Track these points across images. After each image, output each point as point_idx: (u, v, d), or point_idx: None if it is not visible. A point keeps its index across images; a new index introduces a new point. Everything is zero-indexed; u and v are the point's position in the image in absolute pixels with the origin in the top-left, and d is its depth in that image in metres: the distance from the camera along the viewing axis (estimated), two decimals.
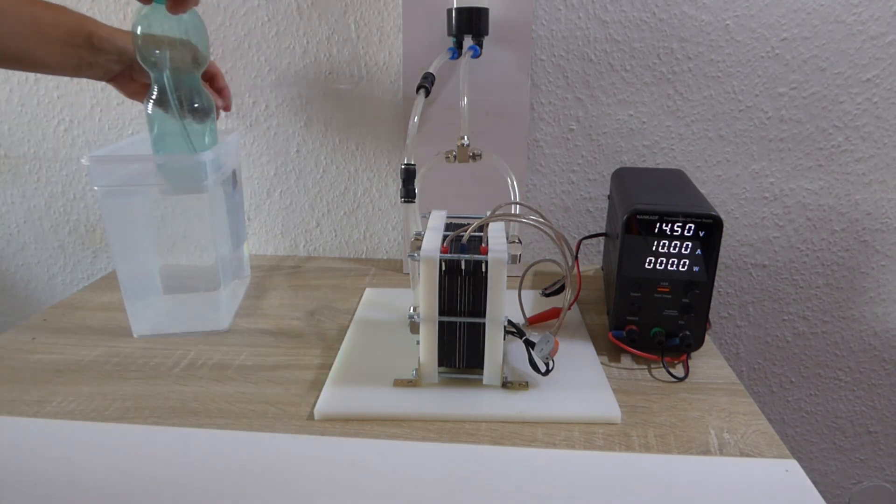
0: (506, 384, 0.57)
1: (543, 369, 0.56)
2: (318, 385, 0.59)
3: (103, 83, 0.67)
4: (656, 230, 0.60)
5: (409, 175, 0.60)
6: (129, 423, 0.53)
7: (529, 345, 0.57)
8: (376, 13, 0.83)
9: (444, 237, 0.56)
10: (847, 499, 1.02)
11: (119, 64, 0.64)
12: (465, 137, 0.63)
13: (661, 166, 0.86)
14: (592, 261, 0.92)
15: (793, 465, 0.48)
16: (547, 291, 0.75)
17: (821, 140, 0.83)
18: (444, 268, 0.54)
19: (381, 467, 0.47)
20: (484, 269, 0.53)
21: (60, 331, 0.70)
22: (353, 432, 0.52)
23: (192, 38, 0.62)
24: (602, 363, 0.63)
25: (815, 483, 0.48)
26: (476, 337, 0.56)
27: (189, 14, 0.60)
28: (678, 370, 0.62)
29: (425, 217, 0.63)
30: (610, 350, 0.65)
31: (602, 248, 0.90)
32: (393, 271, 0.89)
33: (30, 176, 0.96)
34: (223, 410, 0.55)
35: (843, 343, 0.93)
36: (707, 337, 0.65)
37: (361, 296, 0.79)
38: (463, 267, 0.54)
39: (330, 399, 0.55)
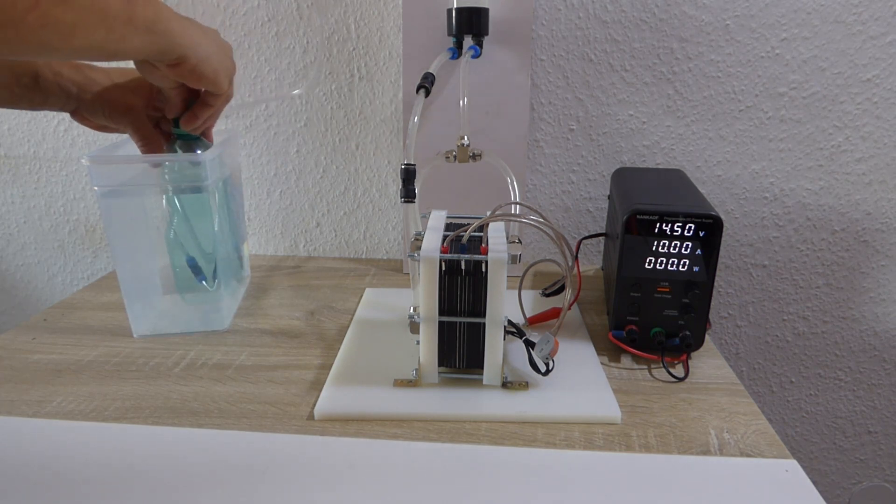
0: (506, 384, 0.57)
1: (543, 369, 0.56)
2: (318, 385, 0.59)
3: None
4: (656, 230, 0.60)
5: (409, 175, 0.60)
6: (129, 423, 0.53)
7: (529, 345, 0.57)
8: (376, 13, 0.83)
9: (444, 237, 0.56)
10: (847, 499, 1.02)
11: (69, 104, 0.60)
12: (465, 137, 0.63)
13: (661, 166, 0.86)
14: (592, 261, 0.92)
15: (793, 465, 0.48)
16: (547, 291, 0.75)
17: (821, 140, 0.83)
18: (444, 268, 0.54)
19: (381, 467, 0.47)
20: (484, 269, 0.53)
21: (60, 331, 0.70)
22: (353, 432, 0.52)
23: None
24: (602, 363, 0.63)
25: (815, 483, 0.48)
26: (476, 337, 0.56)
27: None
28: (678, 370, 0.62)
29: (425, 217, 0.63)
30: (610, 350, 0.65)
31: (602, 248, 0.90)
32: (393, 271, 0.89)
33: (30, 176, 0.96)
34: (223, 410, 0.55)
35: (843, 343, 0.93)
36: (707, 337, 0.65)
37: (361, 296, 0.79)
38: (463, 267, 0.54)
39: (330, 399, 0.55)
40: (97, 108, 0.60)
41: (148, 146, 0.62)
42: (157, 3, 0.47)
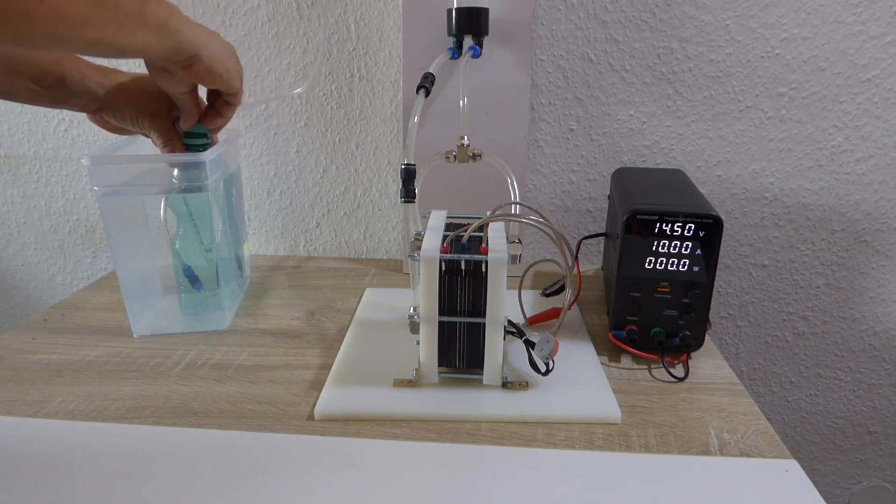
0: (506, 384, 0.57)
1: (543, 369, 0.56)
2: (318, 385, 0.59)
3: None
4: (656, 230, 0.60)
5: (409, 175, 0.60)
6: (129, 423, 0.53)
7: (529, 345, 0.57)
8: (376, 13, 0.83)
9: (444, 237, 0.56)
10: (847, 499, 1.02)
11: (90, 105, 0.61)
12: (465, 137, 0.63)
13: (661, 166, 0.86)
14: (592, 261, 0.92)
15: (793, 465, 0.48)
16: (547, 291, 0.75)
17: (821, 140, 0.83)
18: (444, 268, 0.54)
19: (381, 467, 0.47)
20: (484, 269, 0.53)
21: (60, 331, 0.70)
22: (353, 432, 0.52)
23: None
24: (602, 363, 0.63)
25: (815, 483, 0.48)
26: (476, 337, 0.56)
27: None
28: (678, 370, 0.62)
29: (425, 217, 0.63)
30: (610, 350, 0.65)
31: (602, 248, 0.90)
32: (393, 271, 0.89)
33: (30, 176, 0.96)
34: (223, 410, 0.55)
35: (843, 343, 0.93)
36: (707, 337, 0.65)
37: (361, 296, 0.79)
38: (463, 267, 0.54)
39: (330, 399, 0.55)
40: (124, 111, 0.61)
41: (169, 147, 0.63)
42: (169, 5, 0.48)
